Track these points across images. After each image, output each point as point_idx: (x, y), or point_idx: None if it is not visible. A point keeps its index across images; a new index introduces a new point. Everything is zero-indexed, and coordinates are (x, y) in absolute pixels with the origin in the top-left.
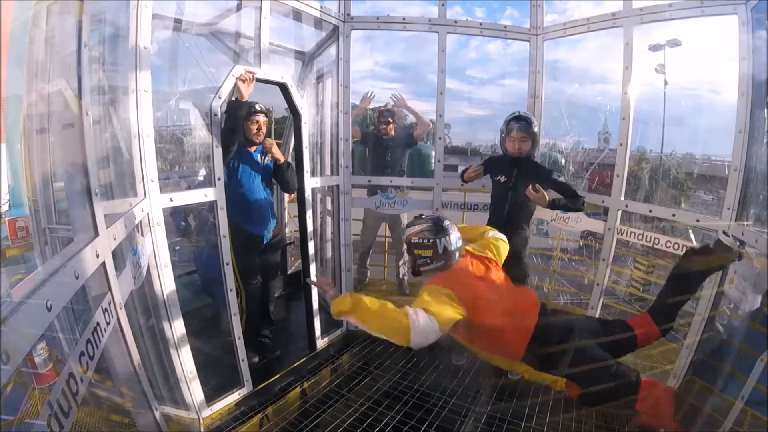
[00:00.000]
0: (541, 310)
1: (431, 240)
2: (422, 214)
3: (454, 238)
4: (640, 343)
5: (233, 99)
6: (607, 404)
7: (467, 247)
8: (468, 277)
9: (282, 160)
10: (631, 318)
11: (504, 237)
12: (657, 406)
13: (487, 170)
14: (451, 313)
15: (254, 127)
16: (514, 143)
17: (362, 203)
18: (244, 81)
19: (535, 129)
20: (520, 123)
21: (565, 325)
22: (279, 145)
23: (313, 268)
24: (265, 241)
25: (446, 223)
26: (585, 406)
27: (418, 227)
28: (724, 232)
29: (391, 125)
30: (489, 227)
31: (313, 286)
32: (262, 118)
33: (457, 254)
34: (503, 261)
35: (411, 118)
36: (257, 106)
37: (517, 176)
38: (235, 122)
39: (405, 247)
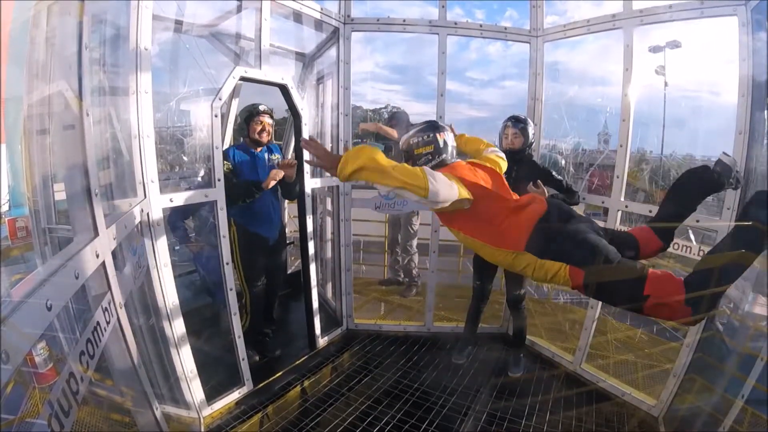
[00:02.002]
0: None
1: (431, 135)
2: None
3: (450, 135)
4: (642, 246)
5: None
6: (612, 294)
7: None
8: (471, 168)
9: (293, 178)
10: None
11: (502, 154)
12: (667, 291)
13: None
14: (463, 188)
15: (258, 128)
16: (508, 139)
17: (362, 203)
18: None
19: (530, 128)
20: (512, 122)
21: (568, 212)
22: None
23: (312, 267)
24: (271, 243)
25: (440, 122)
26: (590, 295)
27: (415, 130)
28: (725, 153)
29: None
30: (489, 144)
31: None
32: (266, 119)
33: (454, 152)
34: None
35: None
36: (261, 108)
37: (516, 172)
38: (249, 195)
39: (403, 154)
